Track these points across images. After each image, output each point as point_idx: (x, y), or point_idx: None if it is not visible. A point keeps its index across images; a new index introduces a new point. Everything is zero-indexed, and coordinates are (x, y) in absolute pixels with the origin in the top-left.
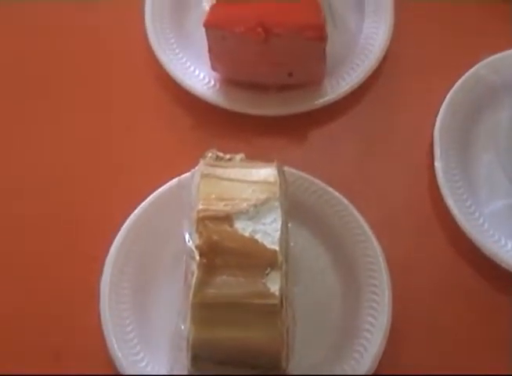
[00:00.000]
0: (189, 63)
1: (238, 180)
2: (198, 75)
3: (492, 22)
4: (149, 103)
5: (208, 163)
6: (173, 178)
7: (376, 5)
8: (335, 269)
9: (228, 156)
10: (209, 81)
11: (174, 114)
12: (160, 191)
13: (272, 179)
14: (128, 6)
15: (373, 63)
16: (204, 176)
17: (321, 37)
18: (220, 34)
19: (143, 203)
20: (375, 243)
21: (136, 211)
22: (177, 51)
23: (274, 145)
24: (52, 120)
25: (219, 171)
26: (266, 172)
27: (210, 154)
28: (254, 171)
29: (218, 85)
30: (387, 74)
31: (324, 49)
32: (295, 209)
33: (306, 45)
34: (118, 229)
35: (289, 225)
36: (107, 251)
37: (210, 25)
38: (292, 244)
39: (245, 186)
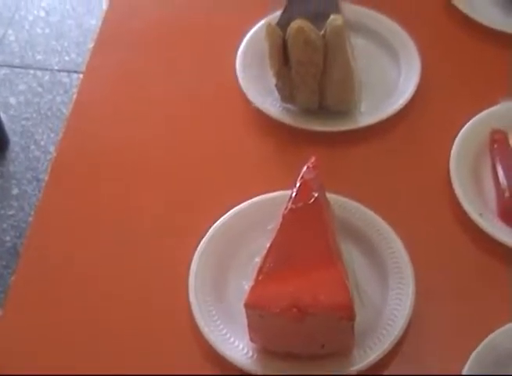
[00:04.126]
0: (228, 335)
1: None
2: (237, 346)
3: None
4: None
5: None
6: None
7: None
8: None
9: None
10: (247, 352)
11: None
12: None
13: None
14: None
15: (396, 332)
16: None
17: (350, 317)
18: (258, 313)
19: None
20: None
21: None
22: (218, 323)
23: None
24: None
25: None
26: None
27: None
28: None
29: (255, 355)
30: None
31: (353, 325)
32: None
33: (337, 323)
34: None
35: None
36: None
37: (250, 306)
38: None
39: None
